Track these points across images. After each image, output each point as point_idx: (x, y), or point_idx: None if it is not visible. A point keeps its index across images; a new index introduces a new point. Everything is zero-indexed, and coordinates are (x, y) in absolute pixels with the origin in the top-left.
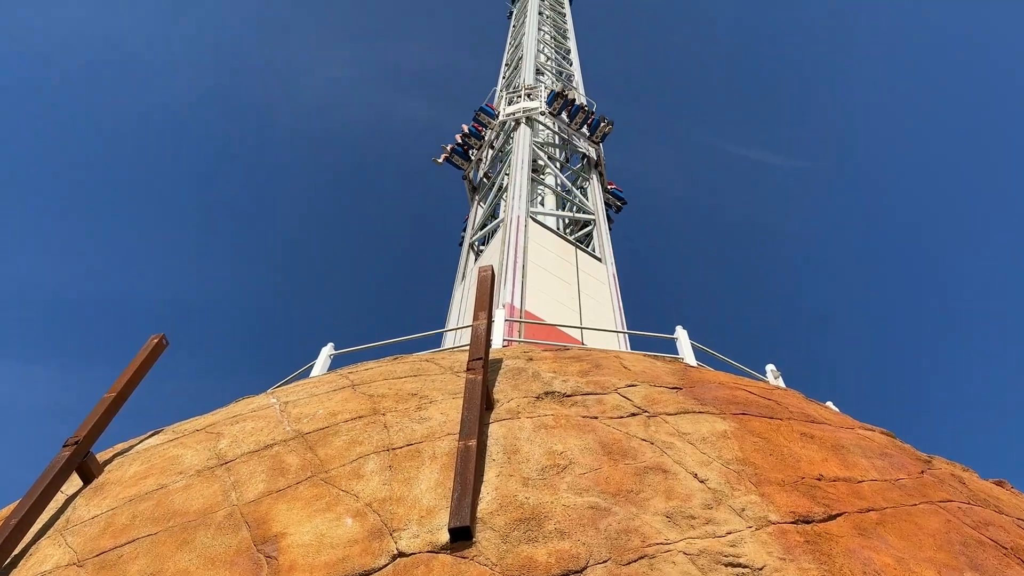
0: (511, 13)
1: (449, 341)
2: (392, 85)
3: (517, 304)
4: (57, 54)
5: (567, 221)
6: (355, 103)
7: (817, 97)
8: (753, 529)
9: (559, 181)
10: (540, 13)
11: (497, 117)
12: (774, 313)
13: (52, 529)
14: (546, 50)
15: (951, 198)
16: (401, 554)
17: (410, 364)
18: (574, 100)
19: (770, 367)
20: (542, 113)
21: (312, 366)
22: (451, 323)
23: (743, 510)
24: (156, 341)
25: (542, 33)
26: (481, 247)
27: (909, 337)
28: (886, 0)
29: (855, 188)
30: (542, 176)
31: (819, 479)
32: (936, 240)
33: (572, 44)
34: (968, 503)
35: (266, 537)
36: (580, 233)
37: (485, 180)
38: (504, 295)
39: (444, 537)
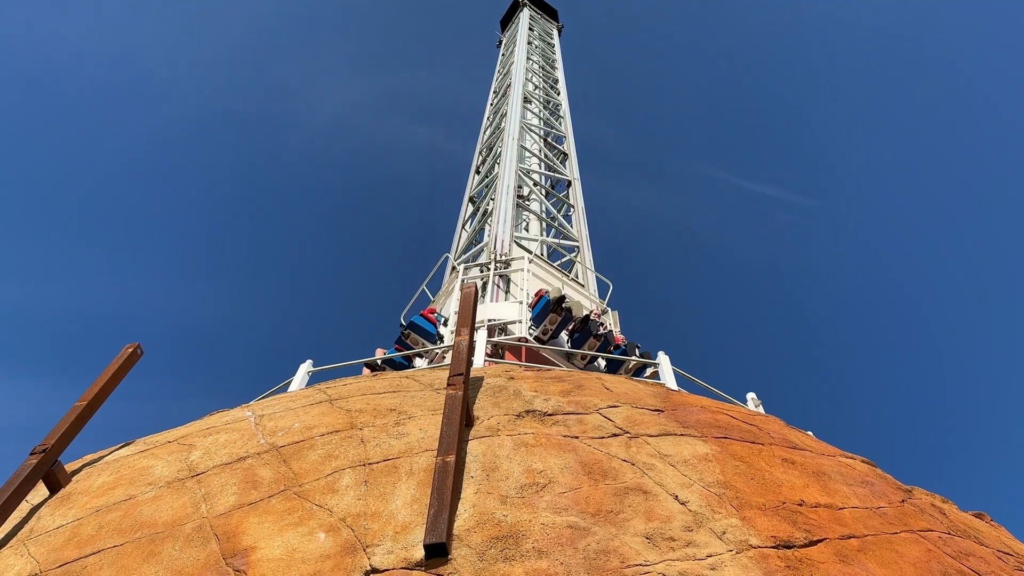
0: (500, 42)
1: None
2: (395, 109)
3: None
4: (68, 68)
5: (551, 249)
6: (358, 126)
7: (829, 136)
8: (734, 553)
9: (544, 208)
10: (529, 43)
11: (442, 339)
12: (757, 344)
13: (15, 539)
14: (534, 79)
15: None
16: (374, 570)
17: (389, 380)
18: (572, 312)
19: (751, 395)
20: (522, 338)
21: (290, 382)
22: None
23: (724, 533)
24: (131, 350)
25: (531, 62)
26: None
27: (890, 375)
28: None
29: (855, 227)
30: (527, 202)
31: (800, 505)
32: (927, 287)
33: (560, 74)
34: (949, 533)
35: (235, 551)
36: (564, 260)
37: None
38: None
39: (419, 554)
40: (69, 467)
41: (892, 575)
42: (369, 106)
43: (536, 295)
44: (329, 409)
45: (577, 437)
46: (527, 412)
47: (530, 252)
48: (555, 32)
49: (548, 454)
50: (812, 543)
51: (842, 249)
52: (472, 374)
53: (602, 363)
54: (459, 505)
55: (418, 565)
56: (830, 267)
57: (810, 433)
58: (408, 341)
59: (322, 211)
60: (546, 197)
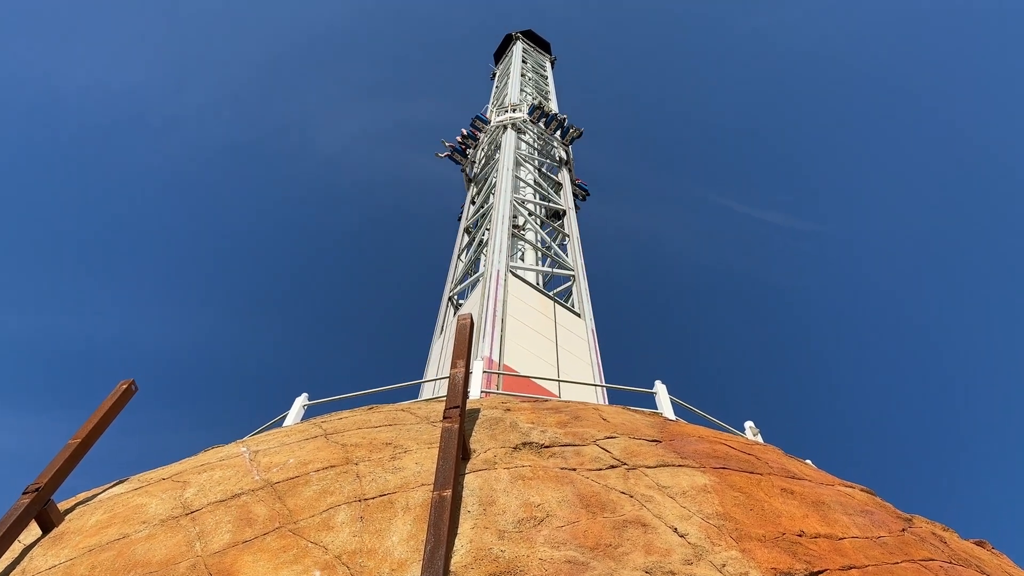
0: (494, 74)
1: (426, 393)
2: (394, 141)
3: (495, 357)
4: (74, 104)
5: (546, 278)
6: (358, 159)
7: (834, 163)
8: None
9: (539, 237)
10: (523, 75)
11: (490, 123)
12: (755, 372)
13: None
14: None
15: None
16: None
17: (385, 414)
18: (550, 111)
19: (749, 424)
20: (524, 121)
21: (285, 416)
22: (429, 376)
23: (724, 566)
24: (125, 387)
25: (524, 94)
26: (460, 301)
27: (890, 403)
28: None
29: (856, 256)
30: (523, 232)
31: (800, 535)
32: (930, 310)
33: (553, 105)
34: (950, 562)
35: None
36: (559, 289)
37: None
38: (482, 348)
39: None
40: (62, 505)
41: None
42: (369, 138)
43: (528, 106)
44: (324, 444)
45: (575, 469)
46: (524, 444)
47: (526, 281)
48: (548, 64)
49: (545, 487)
50: (813, 574)
51: (842, 277)
52: (469, 406)
53: (559, 134)
54: (456, 540)
55: None
56: (829, 295)
57: (809, 462)
58: (475, 123)
59: (320, 244)
60: (541, 226)
